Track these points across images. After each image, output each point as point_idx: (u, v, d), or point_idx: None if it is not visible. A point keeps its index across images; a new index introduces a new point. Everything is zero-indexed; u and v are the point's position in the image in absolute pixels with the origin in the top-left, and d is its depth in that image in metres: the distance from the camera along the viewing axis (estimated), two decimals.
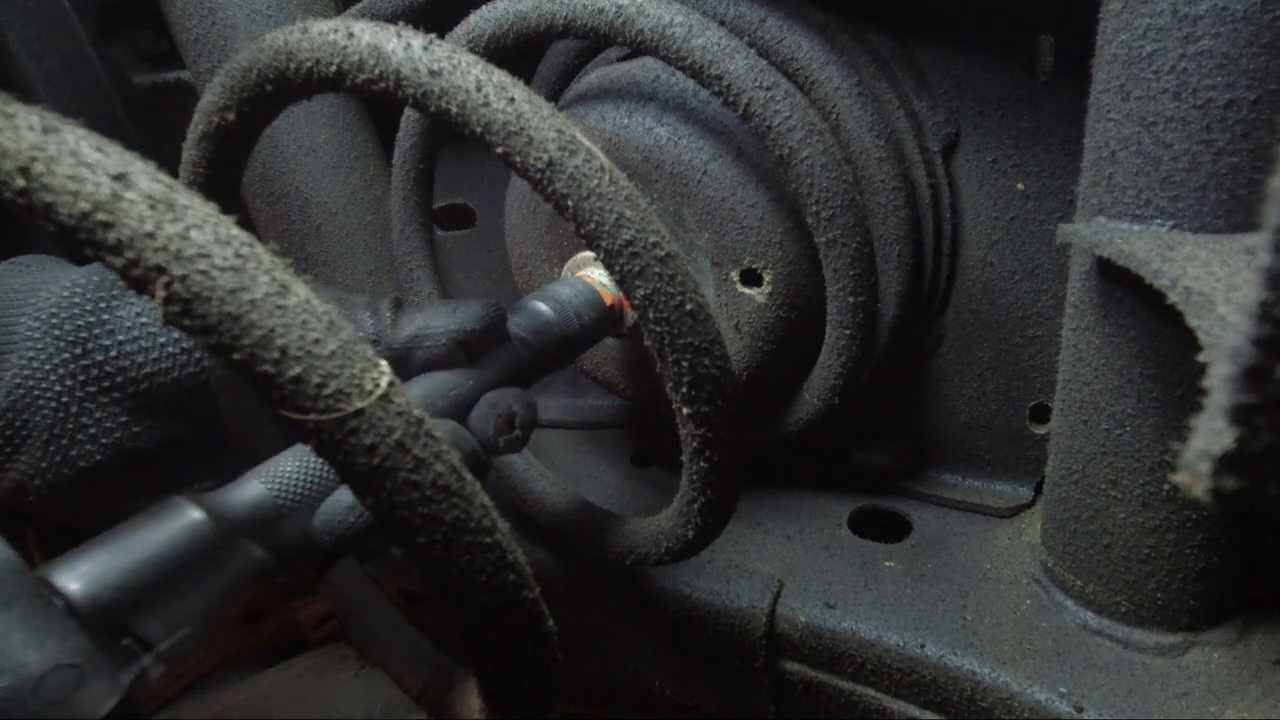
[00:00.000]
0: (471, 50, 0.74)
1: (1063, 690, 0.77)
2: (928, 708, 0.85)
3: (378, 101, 0.56)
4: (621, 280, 0.58)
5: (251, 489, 0.52)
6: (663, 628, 0.97)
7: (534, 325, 0.72)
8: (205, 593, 0.47)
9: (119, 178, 0.35)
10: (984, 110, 0.85)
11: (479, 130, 0.53)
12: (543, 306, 0.74)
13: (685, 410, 0.64)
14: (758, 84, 0.73)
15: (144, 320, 0.60)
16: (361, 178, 1.06)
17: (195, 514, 0.47)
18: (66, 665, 0.39)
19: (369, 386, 0.38)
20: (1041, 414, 0.94)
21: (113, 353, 0.59)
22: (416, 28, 0.54)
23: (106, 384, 0.59)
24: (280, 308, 0.36)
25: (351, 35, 0.53)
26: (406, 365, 0.65)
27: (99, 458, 0.59)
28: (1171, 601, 0.77)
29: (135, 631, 0.43)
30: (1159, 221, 0.63)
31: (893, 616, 0.87)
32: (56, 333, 0.58)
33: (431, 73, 0.52)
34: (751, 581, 0.93)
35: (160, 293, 0.34)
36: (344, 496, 0.54)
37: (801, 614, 0.89)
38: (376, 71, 0.53)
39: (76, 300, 0.59)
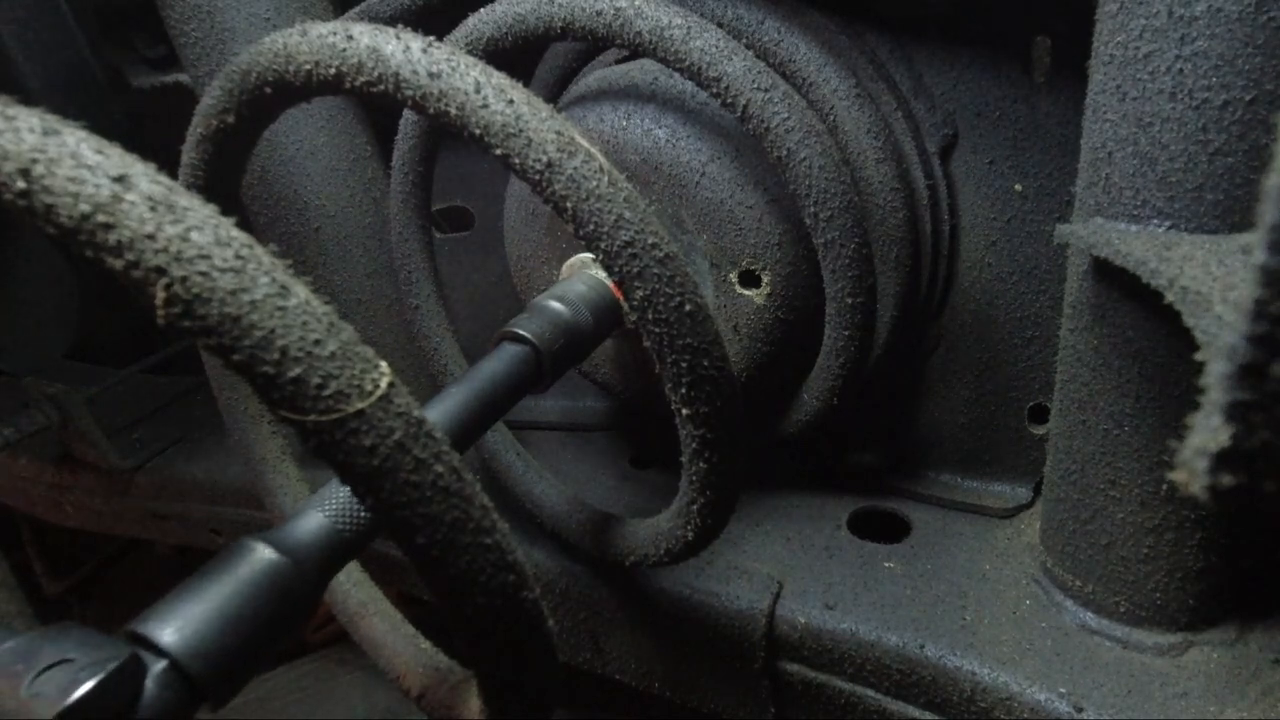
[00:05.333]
0: (470, 52, 0.74)
1: (1062, 690, 0.77)
2: (927, 708, 0.85)
3: (377, 104, 0.56)
4: (621, 281, 0.58)
5: (314, 520, 0.51)
6: (663, 628, 0.97)
7: (548, 325, 0.71)
8: (284, 631, 0.46)
9: (119, 179, 0.35)
10: (981, 111, 0.85)
11: (478, 132, 0.53)
12: (556, 305, 0.73)
13: (684, 411, 0.64)
14: (756, 85, 0.73)
15: None
16: (360, 180, 1.06)
17: (271, 554, 0.47)
18: (62, 660, 0.39)
19: (369, 387, 0.38)
20: (1040, 414, 0.95)
21: None
22: (415, 30, 0.55)
23: None
24: (280, 309, 0.36)
25: (350, 38, 0.53)
26: None
27: None
28: (1171, 601, 0.77)
29: (135, 630, 0.43)
30: (1156, 221, 0.63)
31: (892, 617, 0.87)
32: None
33: (430, 75, 0.52)
34: (751, 582, 0.93)
35: (161, 294, 0.34)
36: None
37: (801, 615, 0.89)
38: (375, 74, 0.53)
39: None
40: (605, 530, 0.89)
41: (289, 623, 0.46)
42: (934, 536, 0.98)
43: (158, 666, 0.40)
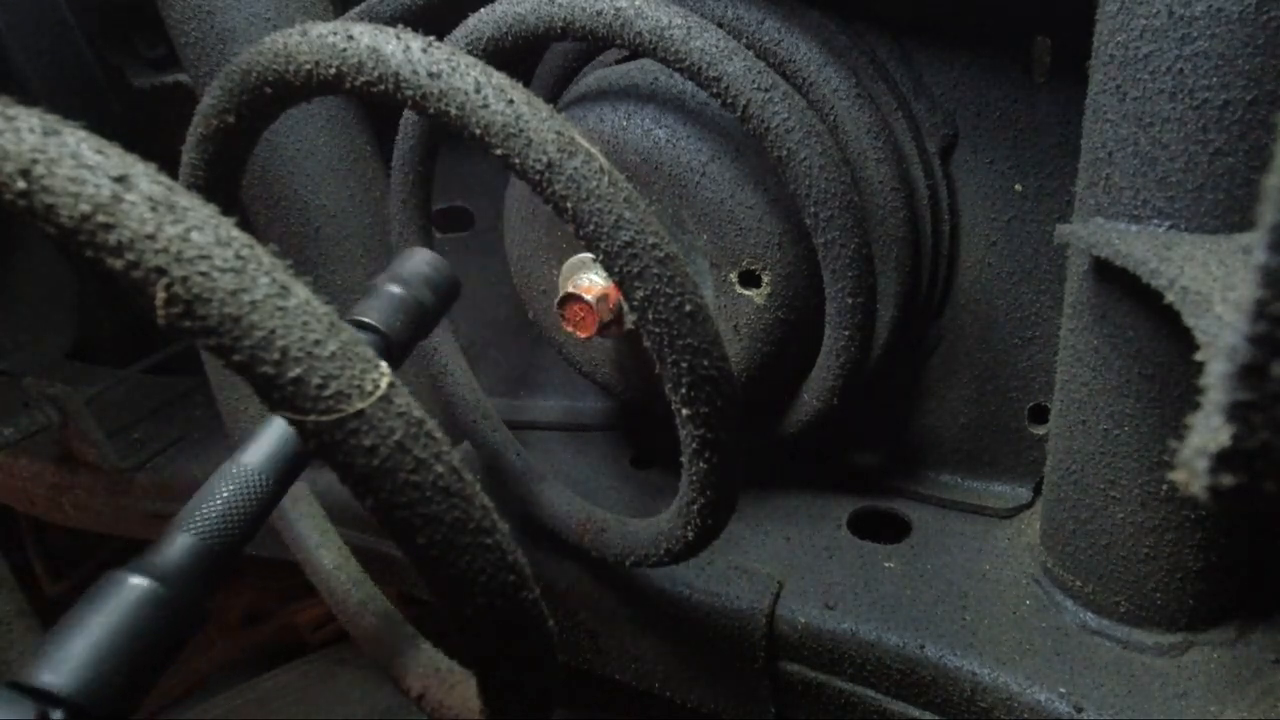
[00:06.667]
0: (470, 53, 0.74)
1: (1062, 690, 0.77)
2: (927, 708, 0.85)
3: (377, 104, 0.56)
4: (621, 281, 0.58)
5: (182, 542, 0.50)
6: (663, 628, 0.97)
7: (394, 311, 0.66)
8: (174, 650, 0.46)
9: (120, 180, 0.35)
10: (982, 111, 0.85)
11: (478, 132, 0.53)
12: (396, 289, 0.68)
13: (684, 411, 0.64)
14: (756, 85, 0.73)
15: None
16: (360, 180, 1.06)
17: (140, 581, 0.46)
18: None
19: (369, 387, 0.38)
20: (1040, 414, 0.94)
21: None
22: (416, 30, 0.55)
23: None
24: (281, 309, 0.36)
25: (351, 38, 0.53)
26: None
27: None
28: (1171, 601, 0.77)
29: (29, 684, 0.42)
30: (1156, 222, 0.63)
31: (892, 617, 0.87)
32: None
33: (430, 75, 0.52)
34: (751, 582, 0.93)
35: (161, 294, 0.34)
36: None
37: (801, 615, 0.89)
38: (375, 74, 0.53)
39: None
40: (605, 530, 0.89)
41: (177, 642, 0.47)
42: (934, 536, 0.98)
43: (58, 716, 0.40)
